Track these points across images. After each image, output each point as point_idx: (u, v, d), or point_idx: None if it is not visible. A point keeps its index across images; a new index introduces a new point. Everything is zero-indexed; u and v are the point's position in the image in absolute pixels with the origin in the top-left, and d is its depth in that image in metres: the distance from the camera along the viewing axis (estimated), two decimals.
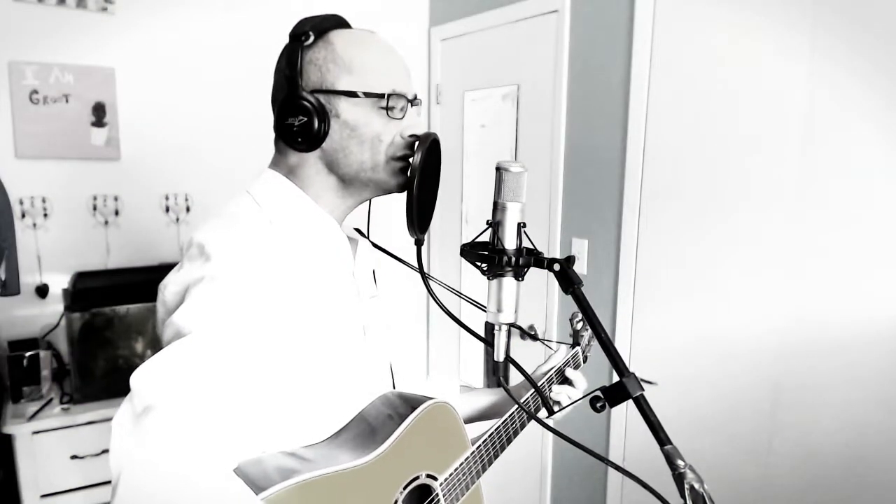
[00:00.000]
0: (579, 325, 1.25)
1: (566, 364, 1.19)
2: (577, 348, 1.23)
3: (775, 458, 1.66)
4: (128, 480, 0.63)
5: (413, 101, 0.90)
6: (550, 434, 2.03)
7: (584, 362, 1.25)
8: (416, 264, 0.92)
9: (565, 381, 1.17)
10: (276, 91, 0.90)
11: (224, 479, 0.68)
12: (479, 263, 0.77)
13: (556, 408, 1.11)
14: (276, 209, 0.87)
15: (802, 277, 1.58)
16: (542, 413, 1.13)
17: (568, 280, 0.75)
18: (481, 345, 2.60)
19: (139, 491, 0.63)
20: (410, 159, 0.87)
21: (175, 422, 0.65)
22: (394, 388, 1.03)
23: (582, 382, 1.16)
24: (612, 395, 0.71)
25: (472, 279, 2.64)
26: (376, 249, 1.03)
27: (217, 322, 0.72)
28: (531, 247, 0.78)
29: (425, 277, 0.90)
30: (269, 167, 0.92)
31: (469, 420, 1.18)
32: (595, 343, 1.27)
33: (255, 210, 0.86)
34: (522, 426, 1.10)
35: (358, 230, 1.02)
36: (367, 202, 0.97)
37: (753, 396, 1.69)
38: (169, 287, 0.80)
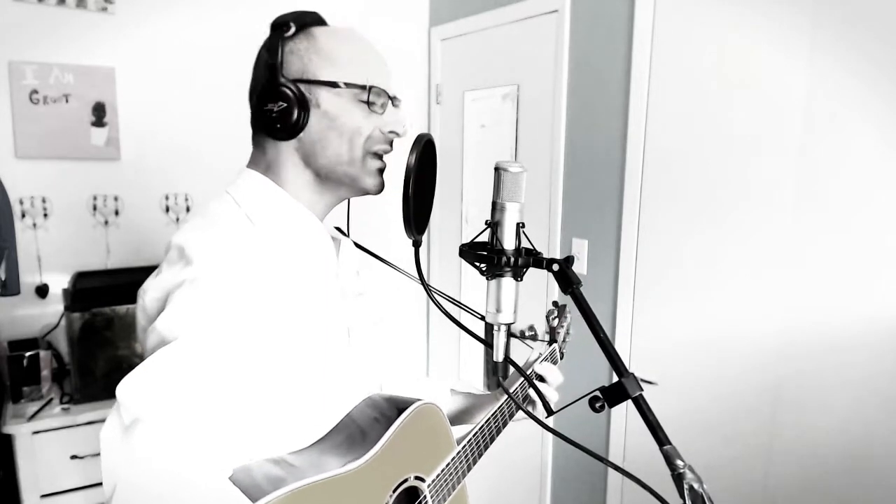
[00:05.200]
0: (555, 322, 1.25)
1: (540, 360, 1.19)
2: (555, 345, 1.24)
3: (775, 459, 1.66)
4: (122, 496, 0.62)
5: (393, 100, 0.90)
6: (550, 434, 2.03)
7: (561, 359, 1.25)
8: (406, 266, 0.92)
9: (541, 377, 1.16)
10: (254, 82, 0.90)
11: (219, 488, 0.67)
12: (477, 264, 0.77)
13: (528, 407, 1.12)
14: (255, 208, 0.86)
15: (802, 277, 1.58)
16: (541, 413, 1.13)
17: (567, 280, 0.75)
18: (481, 345, 2.61)
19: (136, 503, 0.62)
20: (385, 157, 0.86)
21: (165, 433, 0.64)
22: (381, 388, 1.03)
23: (555, 378, 1.15)
24: (610, 396, 0.71)
25: (473, 279, 2.64)
26: (360, 250, 1.03)
27: (201, 326, 0.71)
28: (530, 247, 0.78)
29: (423, 279, 0.89)
30: (247, 166, 0.92)
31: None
32: (570, 339, 1.28)
33: (234, 209, 0.85)
34: (505, 424, 1.11)
35: (339, 229, 1.02)
36: (346, 202, 0.96)
37: (753, 396, 1.69)
38: (149, 293, 0.78)
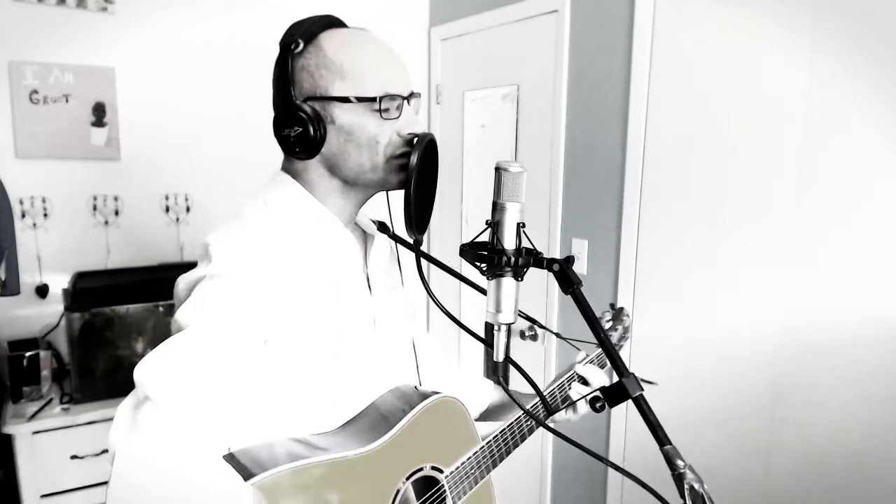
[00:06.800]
0: (607, 326, 1.22)
1: (585, 361, 1.17)
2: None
3: (775, 458, 1.66)
4: (120, 464, 0.68)
5: (409, 98, 0.90)
6: (550, 434, 2.03)
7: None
8: (405, 266, 0.93)
9: (583, 379, 1.13)
10: (273, 101, 0.91)
11: (213, 468, 0.72)
12: (478, 263, 0.77)
13: (568, 408, 1.11)
14: (282, 211, 0.89)
15: (803, 277, 1.58)
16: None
17: (567, 280, 0.75)
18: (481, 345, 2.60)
19: (131, 475, 0.68)
20: (410, 157, 0.87)
21: (168, 414, 0.70)
22: (418, 376, 1.05)
23: (598, 381, 1.12)
24: (611, 396, 0.71)
25: (472, 279, 2.64)
26: (395, 242, 1.04)
27: (213, 317, 0.76)
28: (530, 247, 0.78)
29: (425, 282, 0.90)
30: (281, 169, 0.95)
31: (486, 414, 1.20)
32: (625, 343, 1.25)
33: (261, 211, 0.89)
34: (539, 424, 1.10)
35: (381, 223, 1.03)
36: (385, 195, 0.98)
37: (753, 396, 1.69)
38: (179, 285, 0.84)
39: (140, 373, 0.72)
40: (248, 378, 0.79)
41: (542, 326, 1.02)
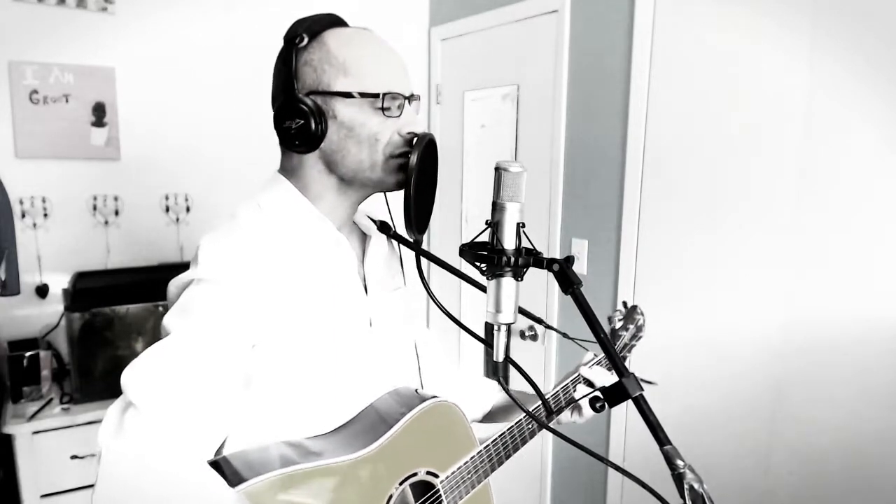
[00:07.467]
0: (618, 324, 1.21)
1: (591, 363, 1.15)
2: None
3: (775, 458, 1.66)
4: (105, 466, 0.70)
5: (410, 98, 0.90)
6: (550, 434, 2.03)
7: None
8: (405, 266, 0.93)
9: (589, 382, 1.11)
10: (273, 95, 0.91)
11: (198, 471, 0.73)
12: (477, 264, 0.77)
13: (574, 410, 1.10)
14: (275, 212, 0.89)
15: (803, 277, 1.58)
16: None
17: (567, 280, 0.75)
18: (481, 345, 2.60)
19: (116, 476, 0.70)
20: (409, 157, 0.87)
21: (149, 419, 0.71)
22: (420, 378, 1.04)
23: (603, 383, 1.08)
24: (611, 396, 0.71)
25: (474, 278, 2.64)
26: (397, 241, 1.04)
27: (197, 322, 0.76)
28: (530, 247, 0.78)
29: (426, 283, 0.90)
30: (278, 170, 0.94)
31: (490, 416, 1.19)
32: (637, 343, 1.23)
33: (255, 213, 0.88)
34: (541, 427, 1.09)
35: (383, 222, 1.03)
36: (384, 195, 0.98)
37: (754, 396, 1.69)
38: (171, 288, 0.84)
39: (125, 377, 0.73)
40: (234, 382, 0.79)
41: (548, 326, 1.02)
